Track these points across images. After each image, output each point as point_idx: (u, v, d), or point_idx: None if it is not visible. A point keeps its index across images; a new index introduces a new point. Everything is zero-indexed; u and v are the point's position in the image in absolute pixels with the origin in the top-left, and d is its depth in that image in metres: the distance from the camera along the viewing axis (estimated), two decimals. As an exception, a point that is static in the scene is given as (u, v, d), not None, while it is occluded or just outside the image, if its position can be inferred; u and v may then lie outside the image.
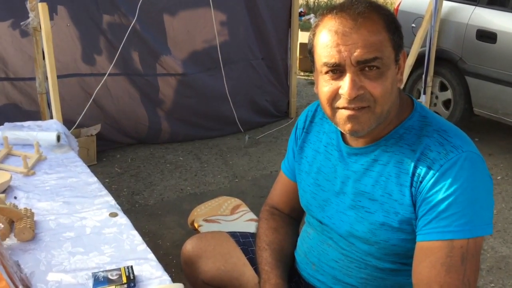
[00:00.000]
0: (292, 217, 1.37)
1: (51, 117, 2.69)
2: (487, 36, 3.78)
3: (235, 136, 4.16)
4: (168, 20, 3.78)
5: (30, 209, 1.37)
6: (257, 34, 4.23)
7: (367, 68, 0.97)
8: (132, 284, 1.12)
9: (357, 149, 1.10)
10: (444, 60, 4.13)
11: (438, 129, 1.03)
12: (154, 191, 3.25)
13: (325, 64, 0.99)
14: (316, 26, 1.03)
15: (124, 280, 1.12)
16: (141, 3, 3.47)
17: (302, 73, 6.17)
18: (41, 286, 1.12)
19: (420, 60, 4.14)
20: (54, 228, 1.36)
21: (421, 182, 0.99)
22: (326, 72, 1.00)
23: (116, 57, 3.54)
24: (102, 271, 1.16)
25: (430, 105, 4.36)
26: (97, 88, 3.37)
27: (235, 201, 2.54)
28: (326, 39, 0.98)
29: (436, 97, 4.33)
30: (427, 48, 4.07)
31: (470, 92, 3.97)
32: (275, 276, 1.18)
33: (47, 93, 2.63)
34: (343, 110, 1.00)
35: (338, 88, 0.99)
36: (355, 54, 0.96)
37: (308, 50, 1.07)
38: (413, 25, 4.33)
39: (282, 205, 1.37)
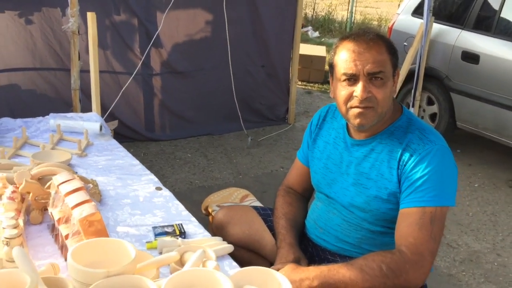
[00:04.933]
0: (303, 196, 1.73)
1: (81, 111, 3.03)
2: (471, 57, 4.18)
3: (238, 137, 4.51)
4: (176, 22, 4.12)
5: (95, 180, 1.71)
6: (259, 44, 4.60)
7: (373, 78, 1.35)
8: (183, 236, 1.47)
9: (359, 141, 1.47)
10: (432, 77, 4.52)
11: (419, 128, 1.41)
12: (167, 182, 3.58)
13: (344, 74, 1.36)
14: (337, 47, 1.42)
15: (177, 232, 1.47)
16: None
17: (300, 83, 6.55)
18: (114, 235, 1.45)
19: (410, 76, 4.53)
20: (114, 196, 1.69)
21: (404, 165, 1.36)
22: (344, 80, 1.37)
23: (133, 59, 3.89)
24: (159, 226, 1.50)
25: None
26: (125, 86, 3.70)
27: (244, 191, 2.89)
28: (346, 56, 1.36)
29: (424, 111, 4.72)
30: (416, 66, 4.45)
31: (454, 107, 4.35)
32: (290, 237, 1.53)
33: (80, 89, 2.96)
34: (354, 109, 1.37)
35: (352, 92, 1.36)
36: (367, 67, 1.33)
37: (329, 64, 1.45)
38: (405, 43, 4.73)
39: (296, 185, 1.73)
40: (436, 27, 4.51)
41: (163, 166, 3.86)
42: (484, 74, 4.07)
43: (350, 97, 1.37)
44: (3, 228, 1.29)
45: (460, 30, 4.36)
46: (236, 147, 4.34)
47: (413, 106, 4.59)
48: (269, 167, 3.99)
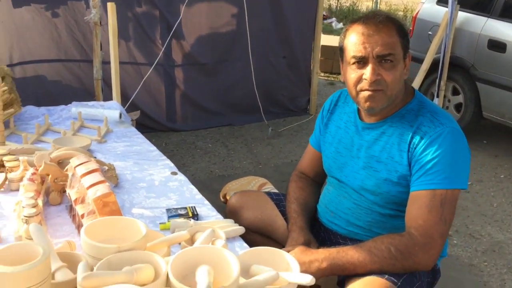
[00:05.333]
0: (315, 181, 1.73)
1: (103, 101, 3.10)
2: (497, 45, 4.07)
3: (259, 128, 4.53)
4: (197, 14, 4.16)
5: (112, 164, 1.76)
6: (280, 35, 4.60)
7: (383, 61, 1.34)
8: (196, 218, 1.50)
9: (369, 124, 1.46)
10: (457, 66, 4.44)
11: (430, 110, 1.39)
12: (187, 171, 3.63)
13: (354, 57, 1.36)
14: (346, 30, 1.41)
15: (190, 214, 1.50)
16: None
17: (322, 74, 6.51)
18: (129, 217, 1.49)
19: (434, 65, 4.45)
20: (130, 180, 1.74)
21: (415, 148, 1.34)
22: (353, 63, 1.37)
23: (155, 50, 3.94)
24: (173, 209, 1.53)
25: (442, 108, 4.66)
26: (145, 77, 3.77)
27: (262, 180, 2.91)
28: (355, 39, 1.35)
29: (449, 101, 4.63)
30: (441, 55, 4.37)
31: (480, 97, 4.26)
32: (301, 220, 1.54)
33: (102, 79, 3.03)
34: (364, 92, 1.36)
35: (361, 75, 1.36)
36: (376, 50, 1.32)
37: (339, 48, 1.44)
38: (430, 32, 4.64)
39: (308, 170, 1.73)
40: (462, 15, 4.41)
41: (184, 155, 3.91)
42: (511, 63, 3.96)
43: (359, 80, 1.37)
44: (23, 207, 1.35)
45: (486, 18, 4.25)
46: (257, 137, 4.36)
47: (437, 96, 4.51)
48: (289, 157, 4.00)
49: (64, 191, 1.54)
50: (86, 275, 0.91)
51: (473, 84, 4.30)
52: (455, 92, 4.57)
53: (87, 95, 3.64)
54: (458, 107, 4.55)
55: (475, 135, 4.45)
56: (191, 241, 1.31)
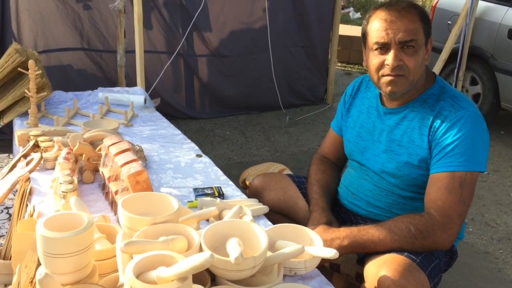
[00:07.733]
0: (336, 164, 1.79)
1: (127, 86, 3.18)
2: (518, 35, 4.05)
3: (276, 117, 4.58)
4: (218, 5, 4.21)
5: (140, 146, 1.83)
6: (300, 24, 4.63)
7: (405, 47, 1.38)
8: (222, 197, 1.57)
9: (391, 109, 1.51)
10: (476, 56, 4.41)
11: (451, 95, 1.43)
12: (206, 158, 3.71)
13: (376, 43, 1.40)
14: (370, 16, 1.45)
15: (216, 194, 1.57)
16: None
17: (339, 64, 6.51)
18: (158, 194, 1.57)
19: (453, 55, 4.43)
20: (158, 161, 1.81)
21: (435, 132, 1.39)
22: (376, 49, 1.41)
23: (175, 40, 4.00)
24: (200, 188, 1.60)
25: (460, 98, 4.64)
26: (166, 65, 3.84)
27: (280, 166, 2.96)
28: (378, 25, 1.40)
29: (467, 91, 4.61)
30: (460, 44, 4.34)
31: (499, 88, 4.24)
32: (322, 201, 1.59)
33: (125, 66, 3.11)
34: (386, 77, 1.41)
35: (384, 61, 1.40)
36: (398, 36, 1.36)
37: (361, 34, 1.48)
38: (449, 22, 4.62)
39: (329, 154, 1.78)
40: (482, 4, 4.38)
41: (203, 142, 3.98)
42: (531, 53, 3.94)
43: (381, 65, 1.41)
44: (60, 183, 1.43)
45: (507, 7, 4.22)
46: (274, 125, 4.41)
47: (455, 86, 4.49)
48: (306, 145, 4.05)
49: (97, 170, 1.62)
50: (127, 241, 0.98)
51: (492, 74, 4.28)
52: (474, 82, 4.55)
53: (108, 84, 3.72)
54: (476, 97, 4.53)
55: (492, 125, 4.43)
56: (219, 218, 1.38)
